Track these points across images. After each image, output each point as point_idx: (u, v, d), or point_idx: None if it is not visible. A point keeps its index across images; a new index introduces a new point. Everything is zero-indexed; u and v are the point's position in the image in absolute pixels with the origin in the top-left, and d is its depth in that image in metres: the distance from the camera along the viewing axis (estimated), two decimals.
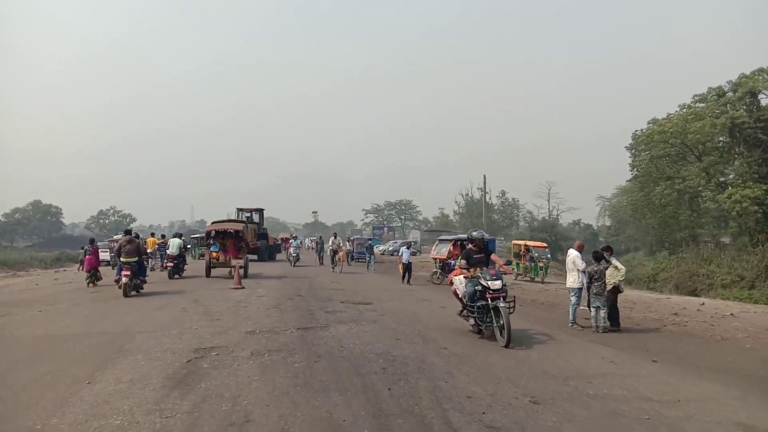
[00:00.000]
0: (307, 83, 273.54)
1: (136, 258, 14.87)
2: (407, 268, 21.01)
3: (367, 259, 30.05)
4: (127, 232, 16.64)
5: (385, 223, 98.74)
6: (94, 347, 7.97)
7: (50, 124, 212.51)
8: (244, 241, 21.19)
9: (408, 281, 20.57)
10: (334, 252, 26.76)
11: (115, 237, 34.10)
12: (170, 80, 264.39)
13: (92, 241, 19.55)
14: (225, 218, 28.90)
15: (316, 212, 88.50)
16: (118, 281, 14.63)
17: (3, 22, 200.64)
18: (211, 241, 20.75)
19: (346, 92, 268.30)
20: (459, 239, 22.07)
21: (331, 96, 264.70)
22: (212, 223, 22.87)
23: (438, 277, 21.25)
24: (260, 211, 35.64)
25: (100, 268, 18.48)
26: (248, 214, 34.71)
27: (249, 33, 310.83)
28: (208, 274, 20.28)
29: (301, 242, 31.70)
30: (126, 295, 14.04)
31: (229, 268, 20.34)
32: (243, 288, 16.13)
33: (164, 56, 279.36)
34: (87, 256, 18.58)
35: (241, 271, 18.04)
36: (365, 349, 7.87)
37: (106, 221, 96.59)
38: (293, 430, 4.58)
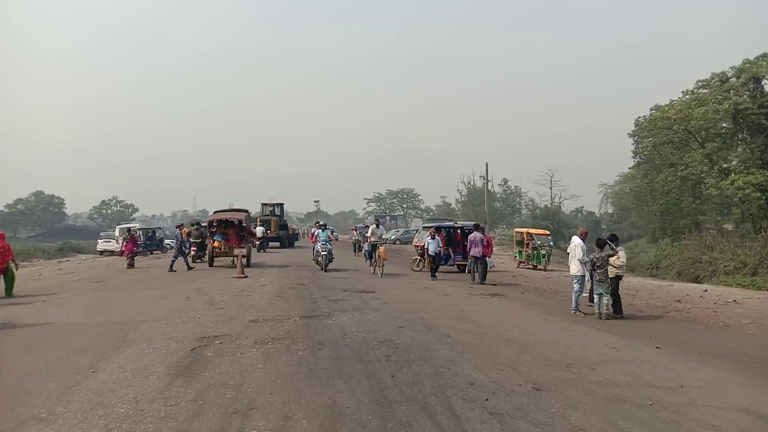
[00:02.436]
0: (304, 72, 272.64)
1: (201, 240, 22.96)
2: (435, 260, 18.49)
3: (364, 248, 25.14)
4: (195, 223, 25.15)
5: (387, 211, 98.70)
6: (97, 336, 8.00)
7: (52, 114, 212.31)
8: (246, 231, 21.21)
9: (433, 274, 18.01)
10: (374, 247, 19.26)
11: (118, 227, 37.08)
12: (172, 69, 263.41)
13: (129, 230, 23.95)
14: (227, 208, 28.94)
15: (318, 201, 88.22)
16: (188, 253, 21.29)
17: (3, 11, 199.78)
18: (215, 230, 20.81)
19: (343, 80, 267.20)
20: (440, 226, 21.97)
21: (330, 84, 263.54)
22: (214, 212, 22.89)
23: (418, 264, 21.13)
24: (281, 205, 40.91)
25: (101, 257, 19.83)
26: (271, 208, 39.88)
27: (248, 22, 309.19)
28: (210, 264, 20.36)
29: (332, 233, 22.10)
30: (194, 261, 21.82)
31: (231, 258, 20.39)
32: (246, 277, 16.17)
33: (166, 45, 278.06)
34: (126, 243, 22.36)
35: (244, 260, 18.08)
36: (368, 337, 7.88)
37: (109, 211, 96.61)
38: (297, 418, 4.60)
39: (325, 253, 18.83)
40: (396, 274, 18.54)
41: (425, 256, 20.83)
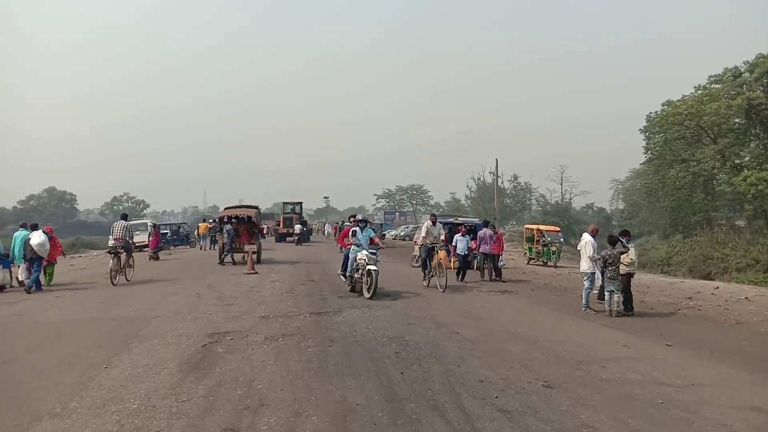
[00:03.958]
0: (316, 65, 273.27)
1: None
2: (463, 261, 16.34)
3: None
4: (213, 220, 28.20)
5: (396, 207, 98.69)
6: (110, 332, 8.08)
7: (63, 110, 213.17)
8: (256, 227, 21.29)
9: (463, 277, 15.77)
10: (430, 251, 14.24)
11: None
12: (181, 63, 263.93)
13: (155, 226, 26.93)
14: (237, 204, 29.08)
15: (327, 197, 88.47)
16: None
17: (9, 7, 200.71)
18: (228, 227, 20.91)
19: (344, 75, 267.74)
20: (443, 222, 21.88)
21: (340, 77, 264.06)
22: (225, 209, 22.99)
23: (417, 261, 21.10)
24: (300, 203, 43.91)
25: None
26: (291, 206, 42.72)
27: (258, 12, 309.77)
28: (221, 260, 20.45)
29: (382, 234, 15.00)
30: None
31: (242, 254, 20.47)
32: (256, 273, 16.26)
33: (175, 37, 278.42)
34: (151, 238, 24.48)
35: (254, 256, 18.15)
36: (378, 334, 7.91)
37: (120, 207, 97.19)
38: (307, 414, 4.62)
39: (374, 269, 11.67)
40: (404, 272, 18.53)
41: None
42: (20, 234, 14.05)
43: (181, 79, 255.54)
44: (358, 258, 12.27)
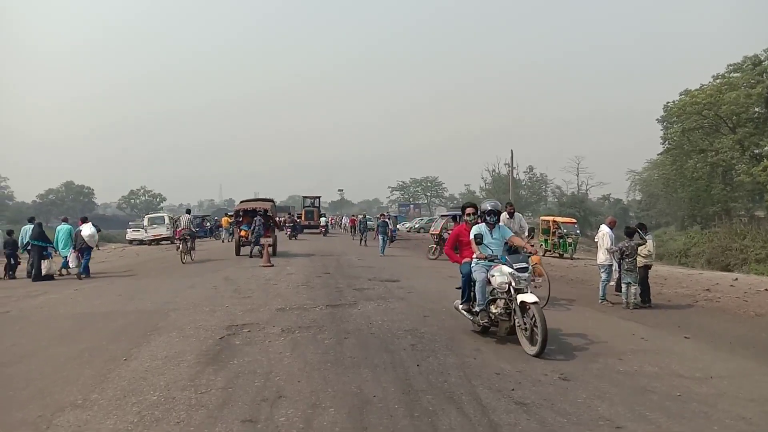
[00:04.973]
0: (329, 62, 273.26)
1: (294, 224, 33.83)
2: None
3: (381, 240, 23.07)
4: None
5: (411, 200, 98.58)
6: (129, 325, 8.18)
7: (81, 105, 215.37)
8: (272, 220, 21.40)
9: None
10: (510, 254, 7.32)
11: (147, 216, 40.81)
12: (196, 58, 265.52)
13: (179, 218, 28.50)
14: (253, 197, 29.28)
15: (342, 190, 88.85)
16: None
17: (25, 3, 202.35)
18: (241, 220, 21.05)
19: (362, 71, 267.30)
20: (455, 214, 21.91)
21: (349, 75, 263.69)
22: (241, 202, 23.13)
23: (433, 252, 21.17)
24: (318, 198, 47.26)
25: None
26: (311, 200, 46.24)
27: (273, 8, 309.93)
28: (237, 253, 20.59)
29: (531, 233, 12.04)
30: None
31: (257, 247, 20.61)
32: (272, 266, 16.34)
33: (191, 32, 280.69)
34: (177, 230, 24.33)
35: (270, 249, 18.25)
36: (394, 326, 7.93)
37: (137, 201, 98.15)
38: (325, 406, 4.65)
39: (533, 299, 6.38)
40: (419, 265, 18.54)
41: (440, 243, 20.87)
42: (63, 227, 15.81)
43: (194, 77, 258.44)
44: (495, 281, 6.87)
